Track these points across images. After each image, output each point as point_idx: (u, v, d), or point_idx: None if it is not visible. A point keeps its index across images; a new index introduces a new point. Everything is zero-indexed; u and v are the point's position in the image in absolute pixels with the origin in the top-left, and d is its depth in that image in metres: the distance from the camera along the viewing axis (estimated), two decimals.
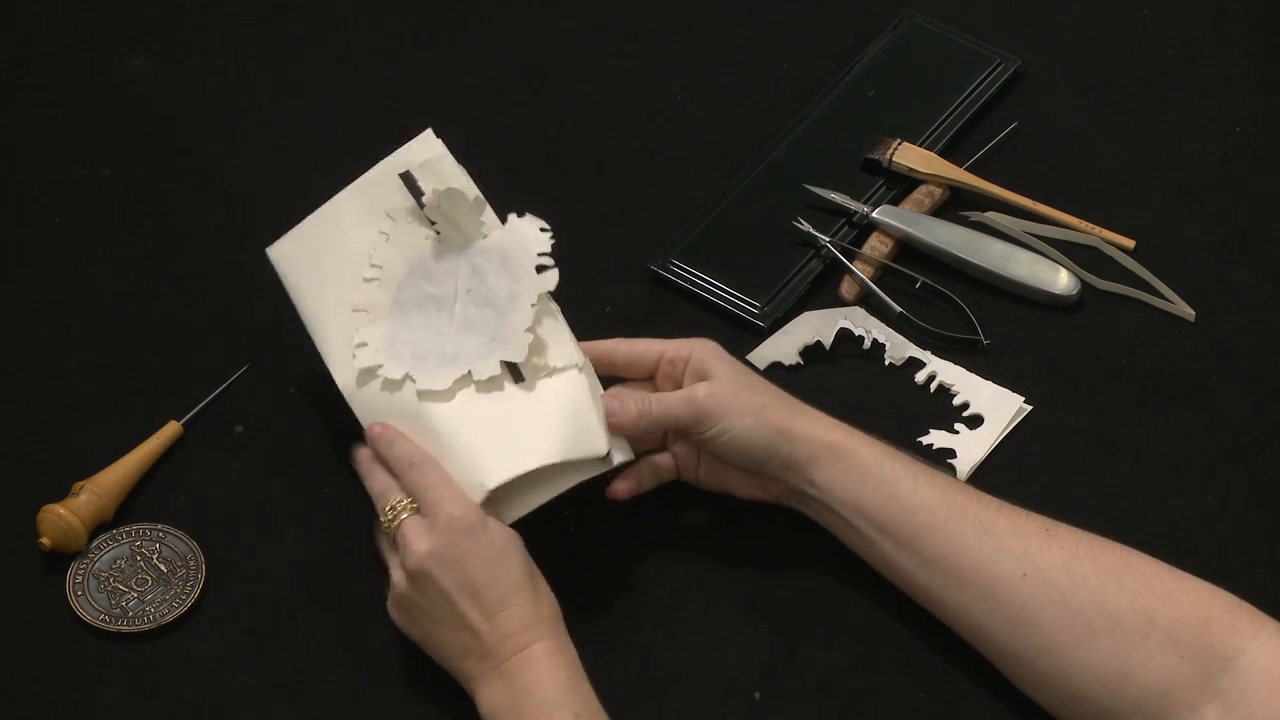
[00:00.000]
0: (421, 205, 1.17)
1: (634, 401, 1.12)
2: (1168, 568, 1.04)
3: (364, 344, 1.16)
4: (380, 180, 1.19)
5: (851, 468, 1.10)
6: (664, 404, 1.12)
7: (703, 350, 1.14)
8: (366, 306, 1.17)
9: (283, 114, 1.42)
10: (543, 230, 1.16)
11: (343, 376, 1.16)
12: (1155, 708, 1.00)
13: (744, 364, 1.17)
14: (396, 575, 1.07)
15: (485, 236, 1.16)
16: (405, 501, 1.08)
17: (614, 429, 1.12)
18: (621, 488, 1.14)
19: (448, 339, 1.15)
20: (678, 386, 1.13)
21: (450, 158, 1.18)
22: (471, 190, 1.17)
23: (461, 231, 1.17)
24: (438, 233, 1.18)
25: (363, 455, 1.12)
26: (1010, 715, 1.09)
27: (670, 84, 1.43)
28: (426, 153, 1.18)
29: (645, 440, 1.14)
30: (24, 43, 1.46)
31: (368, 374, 1.15)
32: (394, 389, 1.14)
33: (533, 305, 1.14)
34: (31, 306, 1.30)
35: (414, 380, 1.14)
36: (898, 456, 1.10)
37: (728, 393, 1.11)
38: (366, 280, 1.18)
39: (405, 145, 1.20)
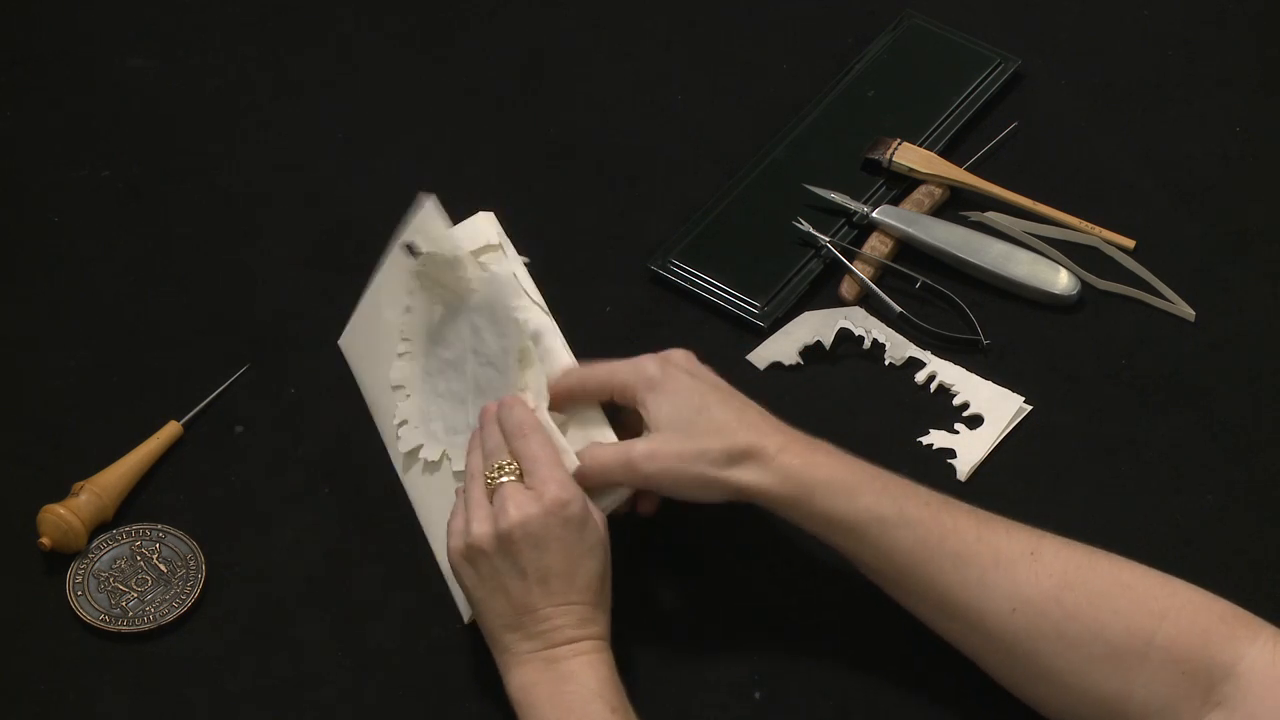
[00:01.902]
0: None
1: (590, 461, 1.08)
2: (1160, 578, 1.02)
3: (404, 421, 1.17)
4: (399, 253, 1.19)
5: (810, 515, 1.06)
6: (604, 469, 1.08)
7: (641, 386, 1.08)
8: (402, 382, 1.18)
9: (283, 114, 1.42)
10: (487, 223, 1.16)
11: (396, 460, 1.18)
12: None
13: (700, 374, 1.10)
14: (480, 529, 1.05)
15: (475, 292, 1.15)
16: (514, 465, 1.07)
17: (578, 480, 1.08)
18: (645, 507, 1.14)
19: (469, 407, 1.15)
20: (638, 413, 1.10)
21: (436, 214, 1.14)
22: (451, 247, 1.14)
23: (452, 291, 1.16)
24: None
25: (486, 411, 1.11)
26: (1010, 715, 1.09)
27: (670, 84, 1.43)
28: (420, 215, 1.16)
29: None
30: (24, 43, 1.46)
31: (412, 456, 1.16)
32: (434, 469, 1.15)
33: (518, 361, 1.12)
34: (31, 306, 1.30)
35: (450, 460, 1.14)
36: (861, 490, 1.05)
37: (666, 450, 1.07)
38: (399, 356, 1.18)
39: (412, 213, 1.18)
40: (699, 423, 1.07)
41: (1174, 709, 0.99)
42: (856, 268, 1.29)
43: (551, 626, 1.03)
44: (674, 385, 1.08)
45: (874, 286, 1.28)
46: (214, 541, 1.17)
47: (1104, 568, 1.03)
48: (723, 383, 1.10)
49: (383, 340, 1.19)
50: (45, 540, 1.14)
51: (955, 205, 1.34)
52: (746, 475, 1.06)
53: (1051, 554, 1.03)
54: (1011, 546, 1.03)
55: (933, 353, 1.26)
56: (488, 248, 1.16)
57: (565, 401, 1.11)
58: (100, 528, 1.16)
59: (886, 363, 1.25)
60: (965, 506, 1.06)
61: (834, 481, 1.05)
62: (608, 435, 1.10)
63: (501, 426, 1.09)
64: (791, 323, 1.27)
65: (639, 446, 1.07)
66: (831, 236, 1.31)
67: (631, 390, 1.09)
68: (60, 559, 1.15)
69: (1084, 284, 1.29)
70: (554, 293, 1.15)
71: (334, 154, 1.39)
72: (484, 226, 1.17)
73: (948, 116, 1.38)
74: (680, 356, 1.10)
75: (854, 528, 1.05)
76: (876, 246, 1.31)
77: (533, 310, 1.13)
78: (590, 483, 1.08)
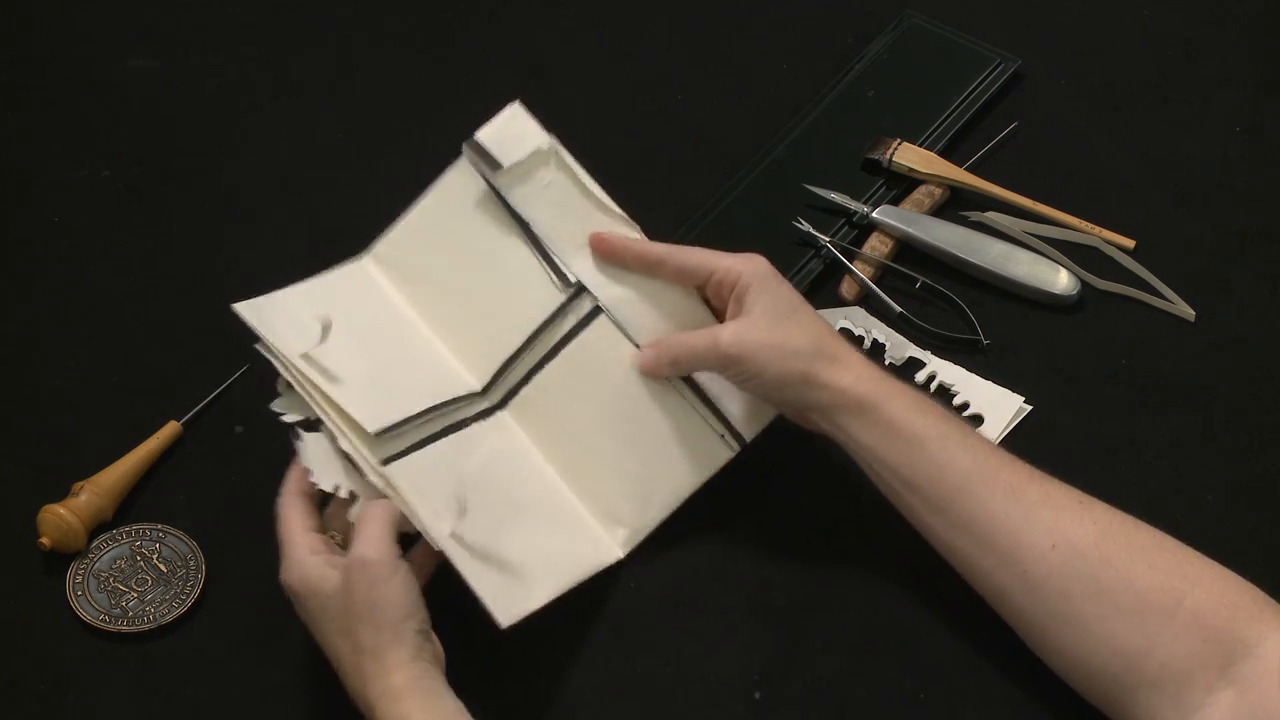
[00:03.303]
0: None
1: (667, 350, 1.13)
2: (1200, 555, 1.03)
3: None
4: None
5: (879, 423, 1.08)
6: (692, 352, 1.12)
7: (749, 276, 1.12)
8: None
9: (283, 114, 1.42)
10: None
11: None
12: (1173, 686, 0.99)
13: (790, 288, 1.14)
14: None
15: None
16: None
17: (647, 373, 1.13)
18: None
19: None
20: (725, 306, 1.13)
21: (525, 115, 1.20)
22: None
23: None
24: None
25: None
26: (1011, 716, 1.09)
27: (670, 84, 1.43)
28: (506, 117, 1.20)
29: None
30: (24, 43, 1.46)
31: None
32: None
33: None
34: (31, 306, 1.30)
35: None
36: (930, 411, 1.09)
37: (756, 337, 1.10)
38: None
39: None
40: (791, 319, 1.11)
41: (1190, 675, 0.99)
42: (856, 268, 1.29)
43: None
44: (775, 284, 1.12)
45: (874, 286, 1.28)
46: (214, 541, 1.17)
47: (1148, 530, 1.04)
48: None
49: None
50: (45, 540, 1.14)
51: (955, 205, 1.34)
52: (828, 371, 1.09)
53: (1100, 508, 1.05)
54: (1062, 493, 1.06)
55: (933, 353, 1.26)
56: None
57: (657, 267, 1.15)
58: (100, 528, 1.16)
59: (887, 362, 1.25)
60: (1007, 456, 1.09)
61: (906, 395, 1.09)
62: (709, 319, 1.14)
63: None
64: None
65: (727, 328, 1.11)
66: (831, 236, 1.31)
67: (735, 276, 1.12)
68: (60, 559, 1.15)
69: (1084, 284, 1.29)
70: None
71: (334, 154, 1.39)
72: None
73: (948, 116, 1.38)
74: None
75: (918, 439, 1.07)
76: (876, 246, 1.31)
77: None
78: (677, 366, 1.13)
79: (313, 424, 1.10)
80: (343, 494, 1.09)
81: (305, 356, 1.10)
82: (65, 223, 1.35)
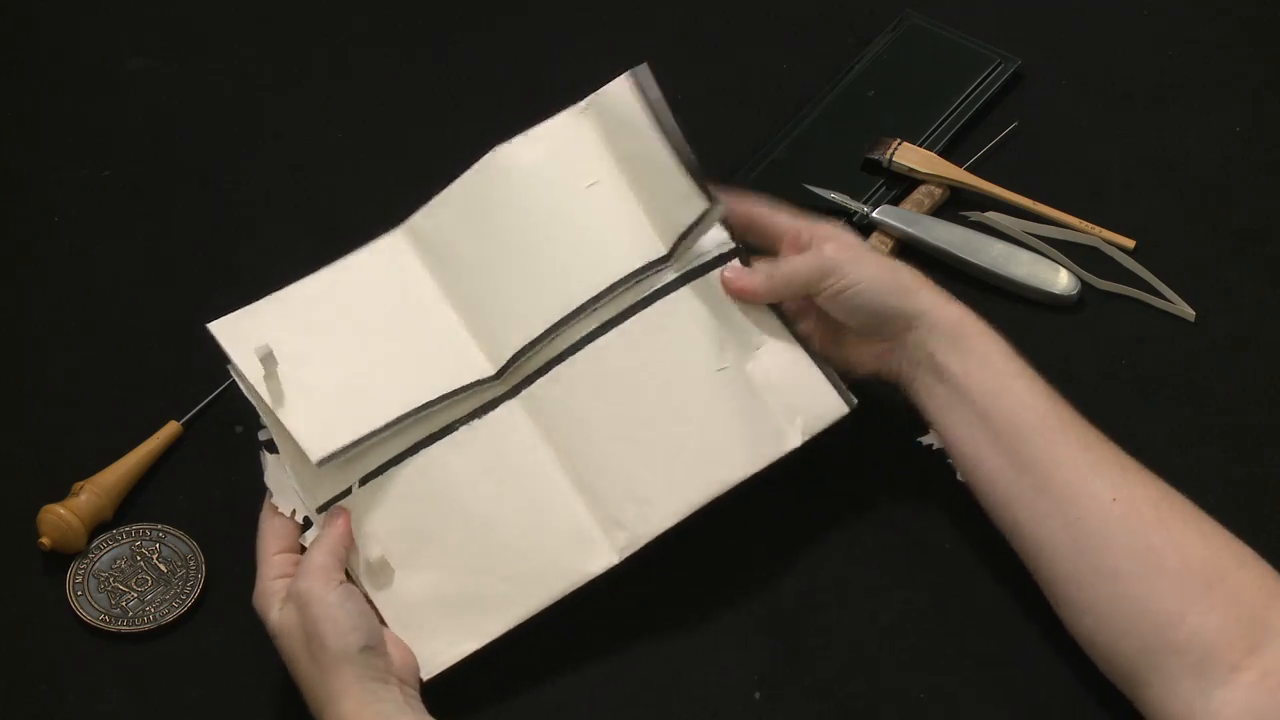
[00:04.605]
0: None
1: (760, 266, 1.14)
2: (1248, 548, 1.04)
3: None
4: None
5: (972, 348, 1.10)
6: (791, 264, 1.13)
7: (830, 229, 1.14)
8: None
9: (283, 114, 1.42)
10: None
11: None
12: (1198, 656, 0.99)
13: None
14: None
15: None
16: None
17: (739, 294, 1.13)
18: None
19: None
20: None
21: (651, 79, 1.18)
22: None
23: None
24: None
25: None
26: (1011, 716, 1.09)
27: (670, 84, 1.43)
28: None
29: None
30: (24, 43, 1.46)
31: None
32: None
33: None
34: (31, 306, 1.30)
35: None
36: (1014, 356, 1.10)
37: (854, 251, 1.12)
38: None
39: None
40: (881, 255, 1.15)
41: (1218, 649, 0.99)
42: None
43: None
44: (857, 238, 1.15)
45: None
46: (214, 541, 1.17)
47: (1203, 513, 1.05)
48: None
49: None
50: (45, 540, 1.14)
51: (955, 205, 1.34)
52: (928, 289, 1.12)
53: (1160, 481, 1.06)
54: (1127, 458, 1.07)
55: None
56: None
57: (745, 224, 1.16)
58: (100, 528, 1.16)
59: None
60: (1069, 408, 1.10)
61: (988, 333, 1.11)
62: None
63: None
64: None
65: (830, 244, 1.13)
66: None
67: (811, 233, 1.14)
68: (60, 559, 1.15)
69: (1084, 284, 1.29)
70: None
71: (334, 154, 1.39)
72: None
73: (948, 116, 1.38)
74: None
75: (1007, 373, 1.09)
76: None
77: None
78: (780, 283, 1.13)
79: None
80: (298, 519, 1.08)
81: (266, 378, 1.09)
82: (65, 223, 1.35)
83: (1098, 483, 1.05)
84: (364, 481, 1.10)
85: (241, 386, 1.10)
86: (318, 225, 1.34)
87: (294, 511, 1.08)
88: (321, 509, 1.09)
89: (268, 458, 1.10)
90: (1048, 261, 1.30)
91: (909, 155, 1.35)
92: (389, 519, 1.09)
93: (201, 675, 1.12)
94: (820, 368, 1.14)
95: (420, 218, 1.17)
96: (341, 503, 1.09)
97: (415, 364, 1.13)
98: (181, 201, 1.36)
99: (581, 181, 1.15)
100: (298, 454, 1.08)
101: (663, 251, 1.14)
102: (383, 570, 1.08)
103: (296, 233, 1.33)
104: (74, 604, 1.13)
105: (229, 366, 1.11)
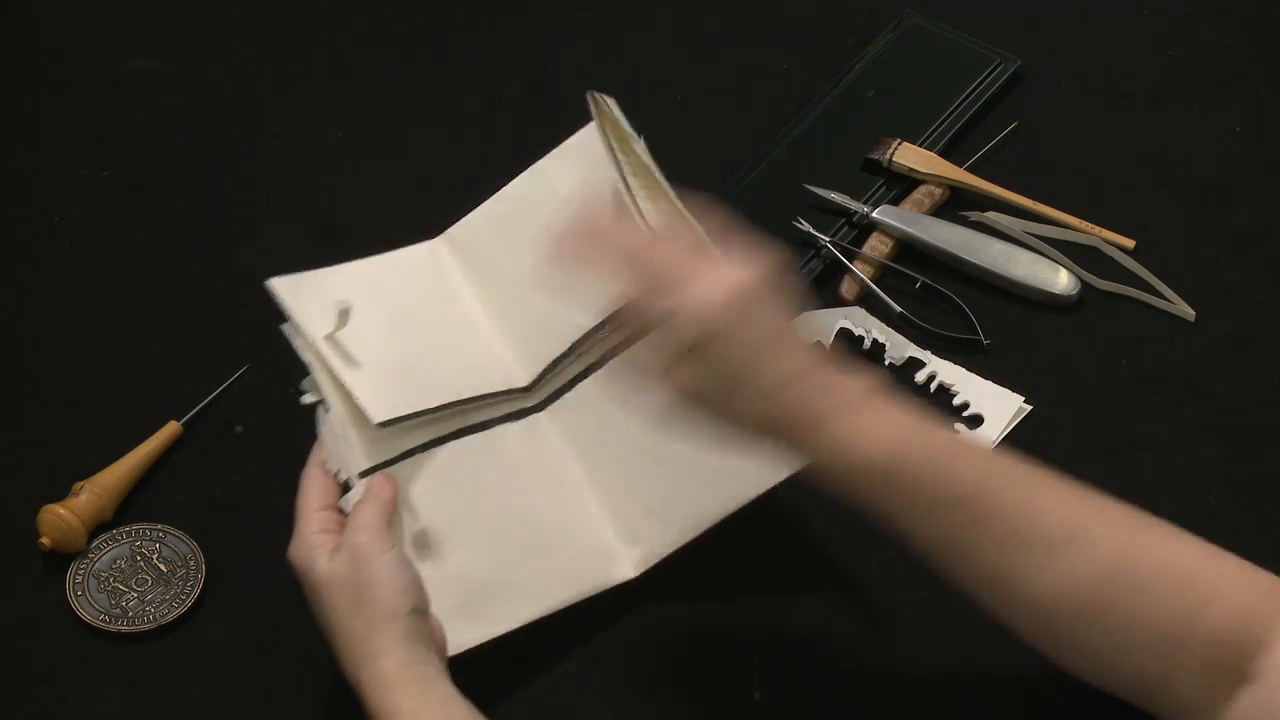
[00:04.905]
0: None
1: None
2: (1204, 555, 0.99)
3: None
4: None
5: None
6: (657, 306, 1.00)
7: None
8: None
9: (282, 114, 1.42)
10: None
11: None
12: (1194, 702, 0.97)
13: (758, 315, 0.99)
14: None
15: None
16: None
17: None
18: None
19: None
20: None
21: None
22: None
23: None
24: None
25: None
26: (1010, 716, 1.09)
27: (670, 84, 1.43)
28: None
29: None
30: (24, 43, 1.46)
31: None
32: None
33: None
34: (31, 306, 1.30)
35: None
36: (902, 469, 0.98)
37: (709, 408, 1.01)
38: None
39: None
40: (747, 380, 0.99)
41: (1212, 685, 0.97)
42: (856, 268, 1.29)
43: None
44: (734, 319, 0.98)
45: (874, 286, 1.28)
46: (214, 541, 1.17)
47: (1151, 552, 0.99)
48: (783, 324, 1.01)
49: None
50: (45, 540, 1.14)
51: (955, 205, 1.34)
52: (786, 451, 1.01)
53: (1097, 538, 0.99)
54: (1055, 530, 0.99)
55: (933, 353, 1.26)
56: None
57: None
58: (100, 528, 1.16)
59: (886, 363, 1.25)
60: (1013, 472, 1.00)
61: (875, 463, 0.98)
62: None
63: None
64: None
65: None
66: (831, 236, 1.31)
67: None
68: (60, 559, 1.15)
69: (1084, 284, 1.29)
70: None
71: (334, 154, 1.39)
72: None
73: (948, 116, 1.38)
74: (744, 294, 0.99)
75: (894, 511, 0.99)
76: (876, 246, 1.31)
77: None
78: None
79: None
80: (341, 479, 1.09)
81: (328, 338, 1.10)
82: (65, 223, 1.35)
83: (1033, 585, 0.98)
84: (408, 455, 1.10)
85: (296, 345, 1.11)
86: (318, 225, 1.34)
87: (338, 472, 1.09)
88: (363, 475, 1.09)
89: (324, 415, 1.10)
90: (1048, 261, 1.30)
91: (909, 155, 1.35)
92: (427, 497, 1.10)
93: (201, 675, 1.12)
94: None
95: (459, 229, 1.18)
96: (386, 471, 1.09)
97: (459, 359, 1.14)
98: (181, 201, 1.36)
99: (606, 192, 1.16)
100: (350, 416, 1.09)
101: None
102: (421, 543, 1.09)
103: (296, 233, 1.33)
104: (74, 604, 1.13)
105: (283, 327, 1.11)
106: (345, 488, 1.09)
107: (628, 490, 1.13)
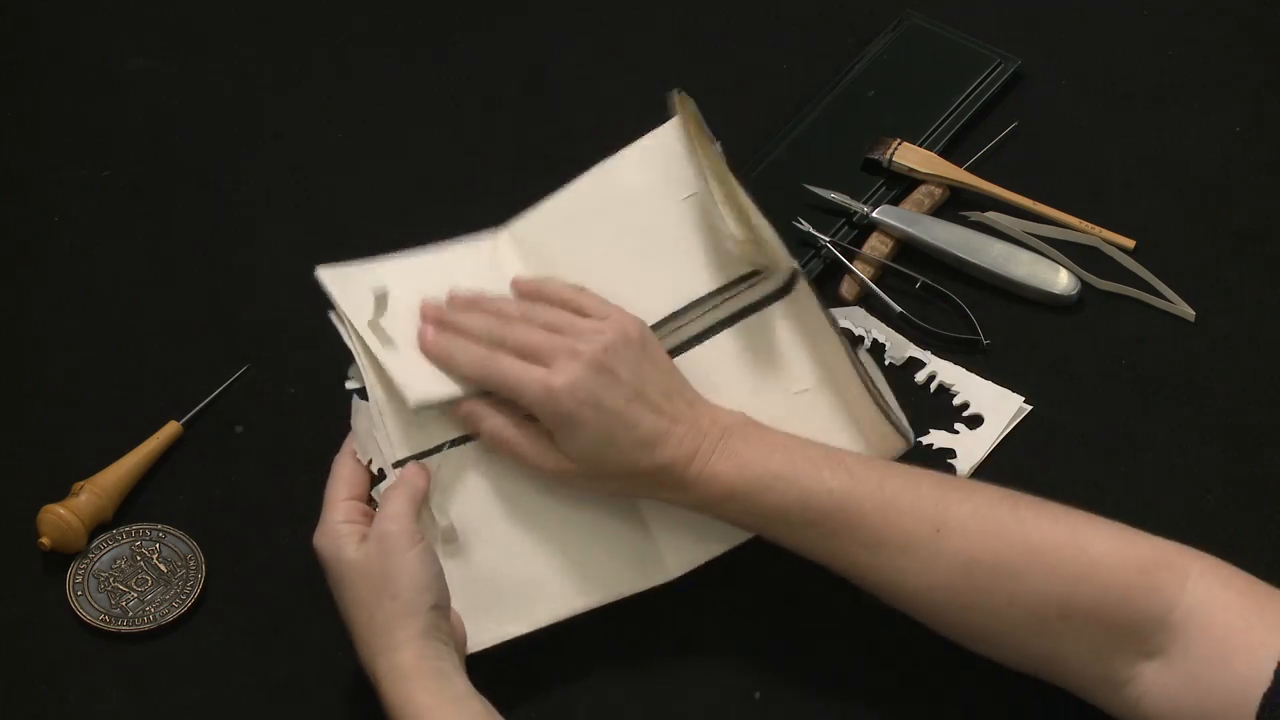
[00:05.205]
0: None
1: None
2: (1071, 532, 1.02)
3: None
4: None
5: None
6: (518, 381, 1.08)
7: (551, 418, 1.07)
8: None
9: (283, 114, 1.42)
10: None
11: None
12: (1091, 675, 1.01)
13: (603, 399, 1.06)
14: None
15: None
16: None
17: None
18: None
19: None
20: None
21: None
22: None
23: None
24: None
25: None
26: (1010, 716, 1.09)
27: (670, 84, 1.43)
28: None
29: None
30: (24, 43, 1.46)
31: None
32: None
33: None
34: (31, 306, 1.30)
35: None
36: (767, 491, 1.07)
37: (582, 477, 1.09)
38: None
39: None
40: (611, 452, 1.07)
41: (1106, 661, 1.00)
42: (856, 268, 1.29)
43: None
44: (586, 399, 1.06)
45: (874, 286, 1.28)
46: (214, 541, 1.17)
47: (1012, 535, 1.02)
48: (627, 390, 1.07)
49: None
50: (45, 540, 1.14)
51: (955, 205, 1.34)
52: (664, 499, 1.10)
53: (954, 531, 1.03)
54: (914, 529, 1.03)
55: (933, 352, 1.26)
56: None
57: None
58: (100, 528, 1.16)
59: (886, 363, 1.25)
60: (868, 481, 1.05)
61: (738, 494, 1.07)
62: None
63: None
64: None
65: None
66: (831, 236, 1.31)
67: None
68: (60, 559, 1.15)
69: (1084, 284, 1.29)
70: None
71: (334, 154, 1.39)
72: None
73: (948, 116, 1.38)
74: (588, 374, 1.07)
75: (773, 534, 1.09)
76: (876, 246, 1.31)
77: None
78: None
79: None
80: (374, 469, 1.09)
81: (371, 324, 1.10)
82: (65, 223, 1.35)
83: (906, 581, 1.04)
84: (443, 447, 1.10)
85: (342, 331, 1.10)
86: (318, 225, 1.34)
87: (370, 461, 1.09)
88: (398, 465, 1.09)
89: (357, 403, 1.10)
90: (1048, 261, 1.30)
91: (909, 155, 1.35)
92: (464, 489, 1.10)
93: (201, 675, 1.12)
94: (879, 404, 1.13)
95: (522, 223, 1.17)
96: (423, 462, 1.09)
97: None
98: (181, 201, 1.36)
99: (680, 193, 1.16)
100: (390, 402, 1.09)
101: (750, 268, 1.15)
102: (449, 538, 1.08)
103: (296, 233, 1.33)
104: (74, 604, 1.13)
105: (330, 314, 1.11)
106: (377, 477, 1.09)
107: None
